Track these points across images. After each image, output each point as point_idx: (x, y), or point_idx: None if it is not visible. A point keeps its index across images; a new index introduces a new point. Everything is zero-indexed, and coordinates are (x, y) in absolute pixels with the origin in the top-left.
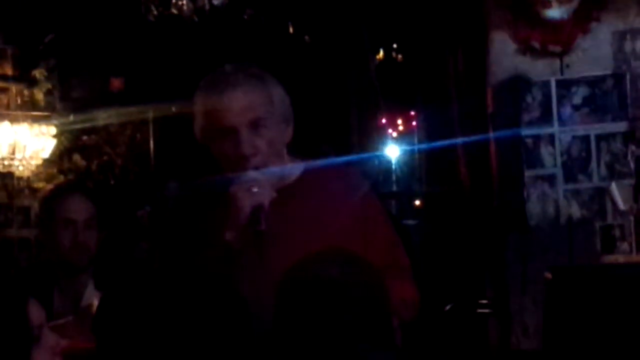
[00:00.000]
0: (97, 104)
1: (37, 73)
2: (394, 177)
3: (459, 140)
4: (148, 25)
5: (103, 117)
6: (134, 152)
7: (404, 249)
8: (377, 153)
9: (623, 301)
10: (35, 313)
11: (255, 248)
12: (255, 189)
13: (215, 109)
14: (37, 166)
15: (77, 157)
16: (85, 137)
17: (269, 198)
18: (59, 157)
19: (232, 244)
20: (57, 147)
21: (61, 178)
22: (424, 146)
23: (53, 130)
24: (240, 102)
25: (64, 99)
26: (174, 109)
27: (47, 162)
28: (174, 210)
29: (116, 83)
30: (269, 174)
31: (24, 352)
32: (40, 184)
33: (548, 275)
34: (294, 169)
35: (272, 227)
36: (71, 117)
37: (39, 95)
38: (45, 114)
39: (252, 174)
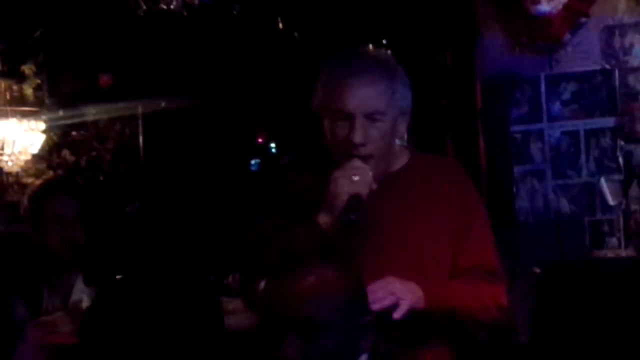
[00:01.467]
0: (86, 99)
1: (26, 69)
2: None
3: (448, 136)
4: (137, 20)
5: (92, 113)
6: (123, 147)
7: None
8: None
9: (611, 296)
10: (20, 309)
11: (346, 235)
12: (356, 178)
13: (337, 91)
14: (26, 162)
15: (66, 153)
16: (74, 133)
17: (368, 189)
18: (48, 153)
19: (324, 228)
20: (46, 142)
21: (50, 173)
22: (412, 142)
23: (42, 125)
24: (363, 91)
25: (53, 94)
26: (163, 104)
27: (36, 157)
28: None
29: (105, 78)
30: (375, 165)
31: (8, 347)
32: (29, 180)
33: (537, 270)
34: (400, 158)
35: (366, 217)
36: (60, 113)
37: (28, 91)
38: (34, 109)
39: (357, 162)
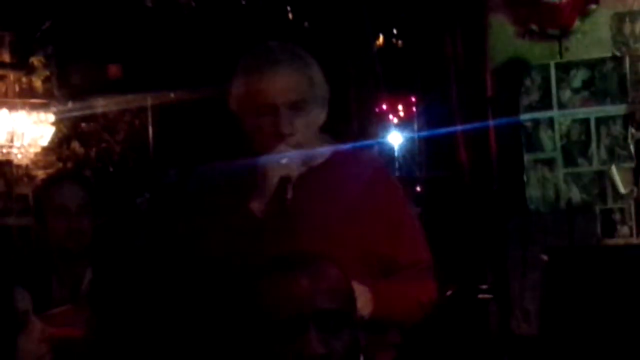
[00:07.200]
0: (96, 91)
1: (35, 60)
2: (396, 164)
3: (459, 124)
4: (146, 11)
5: (101, 105)
6: (132, 139)
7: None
8: (380, 140)
9: (622, 284)
10: (21, 300)
11: (280, 217)
12: (284, 161)
13: (258, 85)
14: (36, 154)
15: (75, 145)
16: (83, 125)
17: (298, 171)
18: (58, 145)
19: (256, 214)
20: (55, 134)
21: (60, 165)
22: (424, 132)
23: (51, 117)
24: (284, 81)
25: (62, 86)
26: (172, 95)
27: (45, 149)
28: (196, 184)
29: (114, 70)
30: (300, 152)
31: (9, 338)
32: (39, 172)
33: (544, 257)
34: (324, 150)
35: (298, 201)
36: (69, 105)
37: (37, 83)
38: (44, 101)
39: (283, 147)
